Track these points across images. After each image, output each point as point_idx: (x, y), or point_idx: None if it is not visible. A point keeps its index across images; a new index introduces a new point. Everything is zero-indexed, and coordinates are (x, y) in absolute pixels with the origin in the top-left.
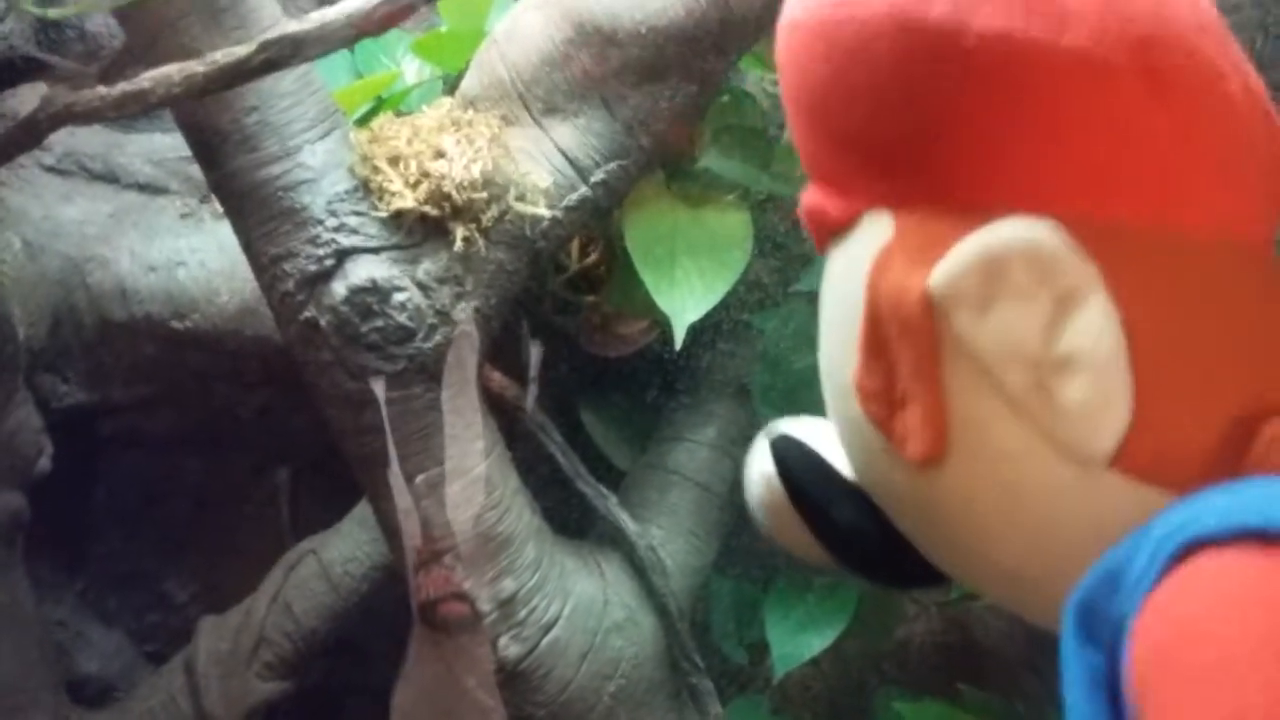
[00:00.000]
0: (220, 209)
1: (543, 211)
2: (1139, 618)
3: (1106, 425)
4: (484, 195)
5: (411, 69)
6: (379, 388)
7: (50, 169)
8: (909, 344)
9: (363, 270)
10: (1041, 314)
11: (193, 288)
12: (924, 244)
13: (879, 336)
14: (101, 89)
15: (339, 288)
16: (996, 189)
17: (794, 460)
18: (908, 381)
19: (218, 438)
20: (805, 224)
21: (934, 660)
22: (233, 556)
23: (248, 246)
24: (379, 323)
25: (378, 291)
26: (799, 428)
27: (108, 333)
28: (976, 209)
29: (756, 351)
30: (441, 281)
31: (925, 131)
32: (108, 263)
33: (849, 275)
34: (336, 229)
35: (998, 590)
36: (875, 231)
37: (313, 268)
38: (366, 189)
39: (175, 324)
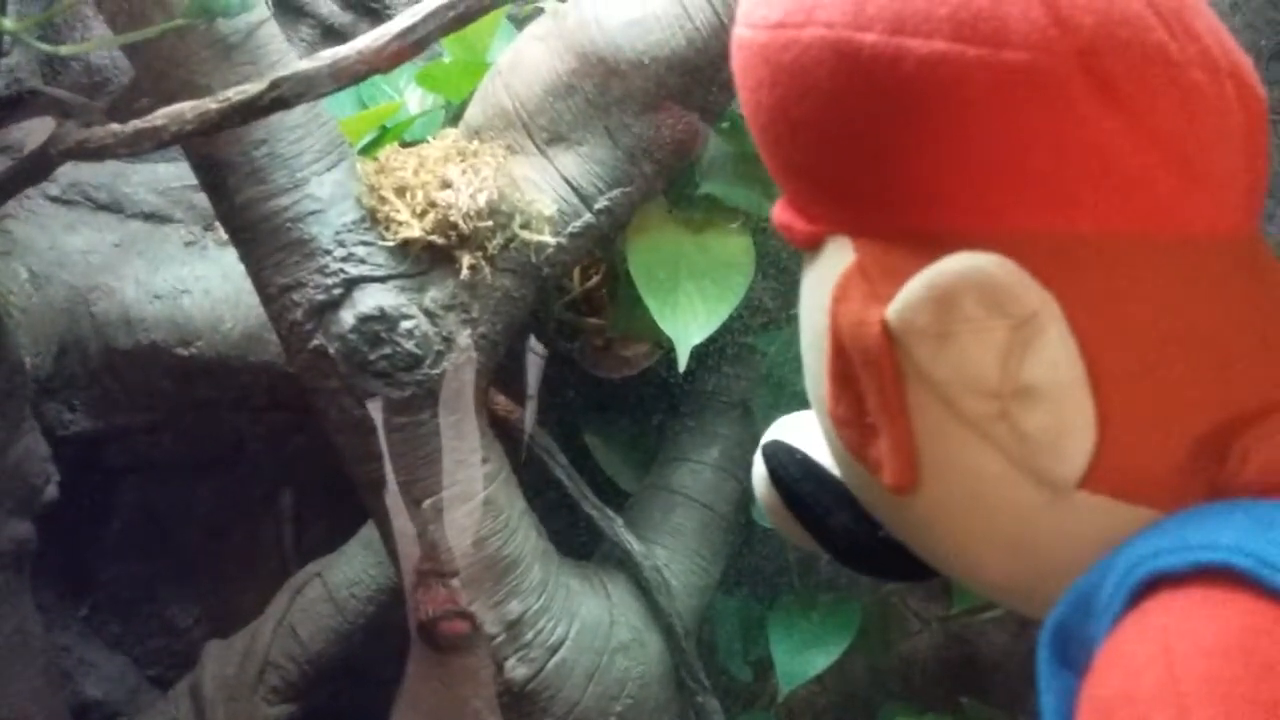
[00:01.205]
0: (224, 236)
1: (548, 239)
2: (1096, 661)
3: (1071, 451)
4: (490, 224)
5: (414, 99)
6: (375, 411)
7: (55, 199)
8: (872, 375)
9: (371, 299)
10: (997, 345)
11: (197, 315)
12: (881, 274)
13: (844, 366)
14: (114, 126)
15: (347, 316)
16: (949, 215)
17: (785, 467)
18: (875, 412)
19: (223, 463)
20: (778, 230)
21: (937, 675)
22: (238, 581)
23: (256, 277)
24: (387, 350)
25: (386, 320)
26: (798, 426)
27: (113, 361)
28: (931, 237)
29: (759, 373)
30: (448, 309)
31: (871, 161)
32: (113, 291)
33: (815, 298)
34: (344, 259)
35: (992, 596)
36: (837, 257)
37: (321, 297)
38: (374, 219)
39: (180, 351)
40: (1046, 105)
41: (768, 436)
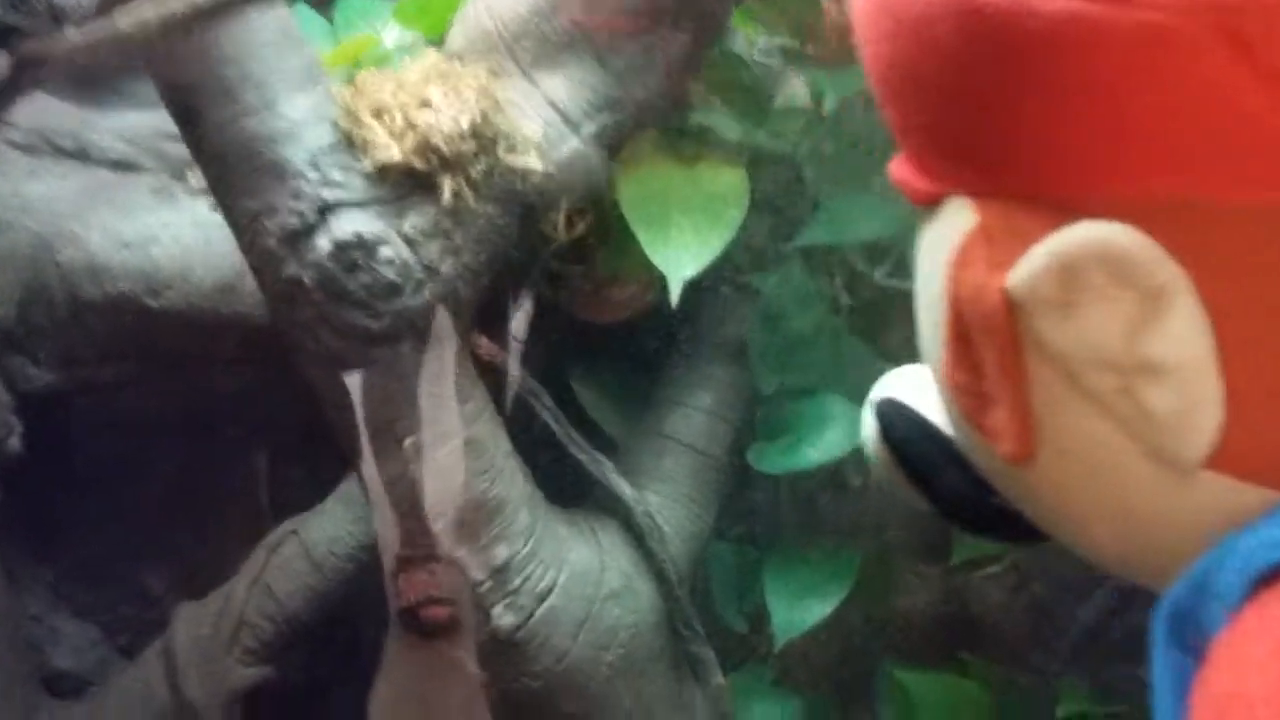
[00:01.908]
0: (195, 186)
1: (534, 163)
2: (1212, 654)
3: (1196, 430)
4: (472, 147)
5: (391, 37)
6: (353, 382)
7: (18, 146)
8: (991, 343)
9: (347, 224)
10: (1123, 318)
11: (167, 265)
12: (1005, 240)
13: (962, 331)
14: (73, 31)
15: (323, 242)
16: (1077, 181)
17: (896, 426)
18: (993, 380)
19: (196, 421)
20: (895, 185)
21: (933, 632)
22: (211, 545)
23: (226, 205)
24: (365, 278)
25: (363, 246)
26: (909, 380)
27: (79, 311)
28: (1057, 202)
29: (753, 313)
30: (429, 236)
31: (996, 122)
32: (79, 239)
33: (933, 258)
34: (320, 183)
35: (1106, 567)
36: (958, 218)
37: (295, 223)
38: (350, 142)
39: (149, 301)
40: (1180, 67)
41: (878, 392)
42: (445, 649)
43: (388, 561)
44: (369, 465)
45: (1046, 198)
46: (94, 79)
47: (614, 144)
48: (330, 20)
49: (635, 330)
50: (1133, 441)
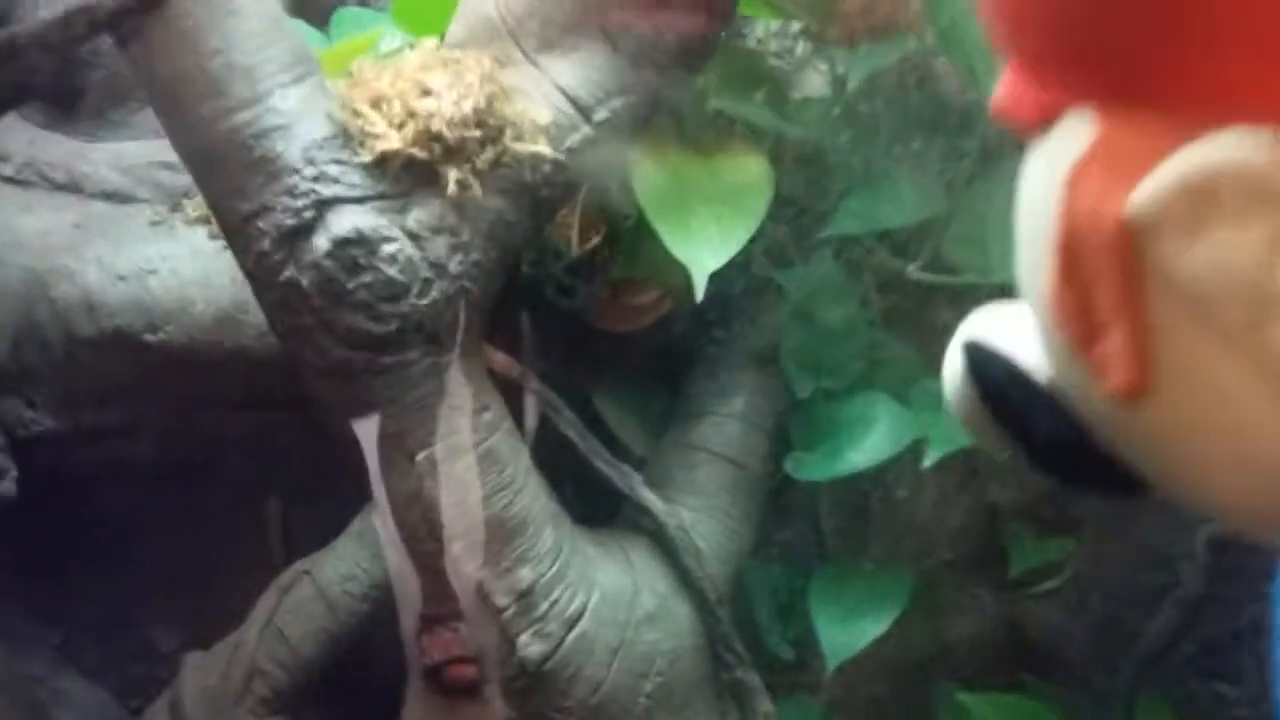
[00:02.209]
0: (192, 215)
1: (544, 150)
2: None
3: None
4: (477, 134)
5: (390, 44)
6: (365, 431)
7: (8, 180)
8: (1108, 268)
9: (346, 221)
10: (1257, 245)
11: (165, 298)
12: (1128, 155)
13: (1076, 256)
14: (42, 13)
15: (321, 241)
16: (1214, 92)
17: (987, 367)
18: (1107, 309)
19: (201, 465)
20: (998, 115)
21: (986, 657)
22: (222, 598)
23: (217, 207)
24: (367, 278)
25: (364, 243)
26: (998, 320)
27: (75, 350)
28: (1190, 115)
29: (782, 314)
30: (435, 231)
31: (1133, 18)
32: (73, 274)
33: (1045, 181)
34: (315, 178)
35: (1220, 517)
36: (1076, 134)
37: (290, 222)
38: (346, 135)
39: (148, 337)
40: None
41: (964, 334)
42: (470, 708)
43: (406, 618)
44: (380, 497)
45: (1179, 111)
46: (84, 109)
47: (627, 132)
48: (326, 34)
49: (656, 338)
50: (1260, 381)
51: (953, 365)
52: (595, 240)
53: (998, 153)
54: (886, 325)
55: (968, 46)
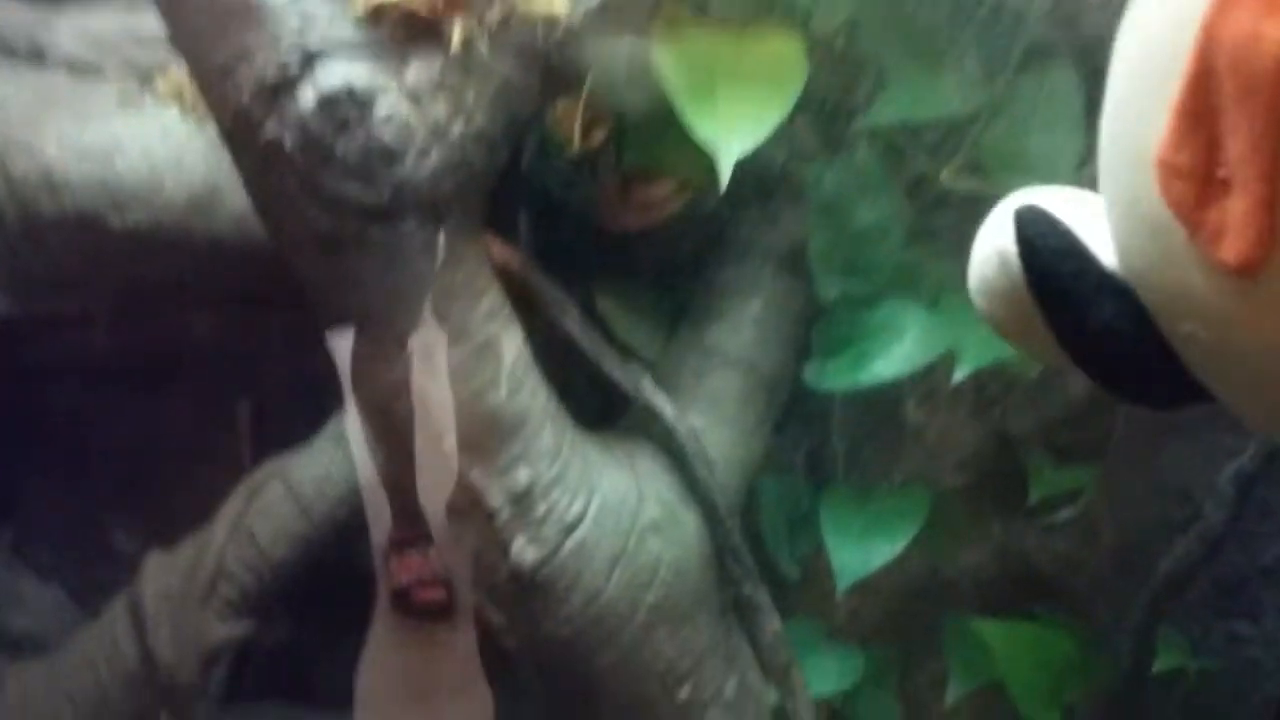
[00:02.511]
0: (164, 92)
1: (559, 10)
2: None
3: None
4: None
5: None
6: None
7: None
8: (1249, 112)
9: (336, 74)
10: None
11: (132, 179)
12: None
13: (1206, 98)
14: None
15: (307, 95)
16: None
17: (1042, 237)
18: (1237, 162)
19: (167, 363)
20: None
21: (991, 587)
22: (187, 503)
23: (192, 56)
24: (358, 139)
25: (355, 100)
26: (1050, 199)
27: (34, 231)
28: None
29: (807, 211)
30: (435, 91)
31: None
32: (32, 150)
33: (1172, 12)
34: (303, 25)
35: None
36: None
37: (274, 73)
38: None
39: (113, 221)
40: None
41: (1016, 200)
42: (439, 632)
43: (376, 536)
44: (351, 405)
45: None
46: None
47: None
48: None
49: (668, 236)
50: None
51: (991, 240)
52: (600, 135)
53: (1041, 50)
54: (918, 231)
55: None
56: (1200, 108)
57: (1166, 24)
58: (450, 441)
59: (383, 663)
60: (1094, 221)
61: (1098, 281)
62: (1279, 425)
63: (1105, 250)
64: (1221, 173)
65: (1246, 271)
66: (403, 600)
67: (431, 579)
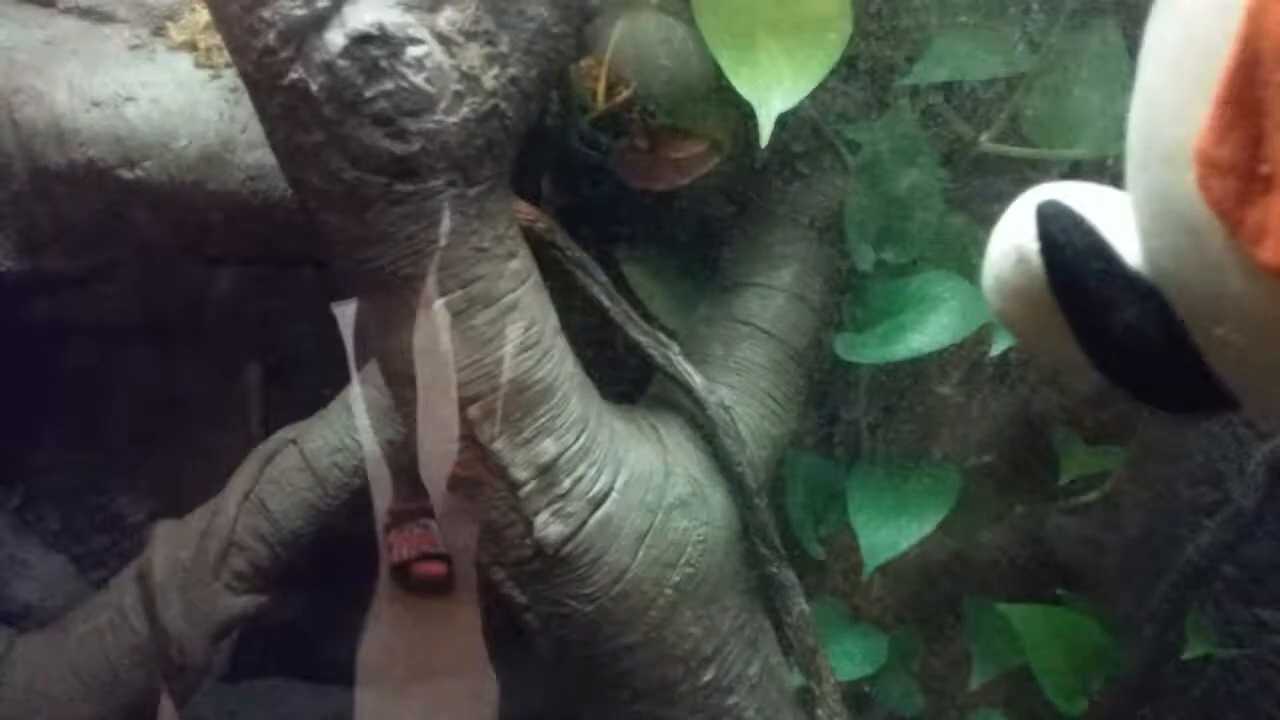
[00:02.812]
0: (177, 40)
1: None
2: None
3: None
4: None
5: None
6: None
7: None
8: None
9: (366, 14)
10: None
11: (144, 128)
12: None
13: (1251, 89)
14: None
15: (335, 37)
16: None
17: (1066, 234)
18: None
19: (177, 323)
20: None
21: (1017, 573)
22: (195, 469)
23: None
24: (388, 85)
25: (387, 41)
26: (1072, 194)
27: (42, 181)
28: None
29: (840, 180)
30: (469, 37)
31: None
32: (41, 97)
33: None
34: None
35: None
36: None
37: (300, 12)
38: None
39: (123, 172)
40: None
41: (1037, 195)
42: (440, 606)
43: (378, 508)
44: (376, 350)
45: None
46: None
47: None
48: None
49: (697, 200)
50: None
51: (1010, 236)
52: (624, 94)
53: (1086, 10)
54: (957, 198)
55: None
56: (1244, 99)
57: (1208, 8)
58: (454, 412)
59: (384, 640)
60: (1118, 218)
61: (1123, 282)
62: None
63: (1130, 250)
64: (1265, 169)
65: None
66: (402, 575)
67: (431, 553)
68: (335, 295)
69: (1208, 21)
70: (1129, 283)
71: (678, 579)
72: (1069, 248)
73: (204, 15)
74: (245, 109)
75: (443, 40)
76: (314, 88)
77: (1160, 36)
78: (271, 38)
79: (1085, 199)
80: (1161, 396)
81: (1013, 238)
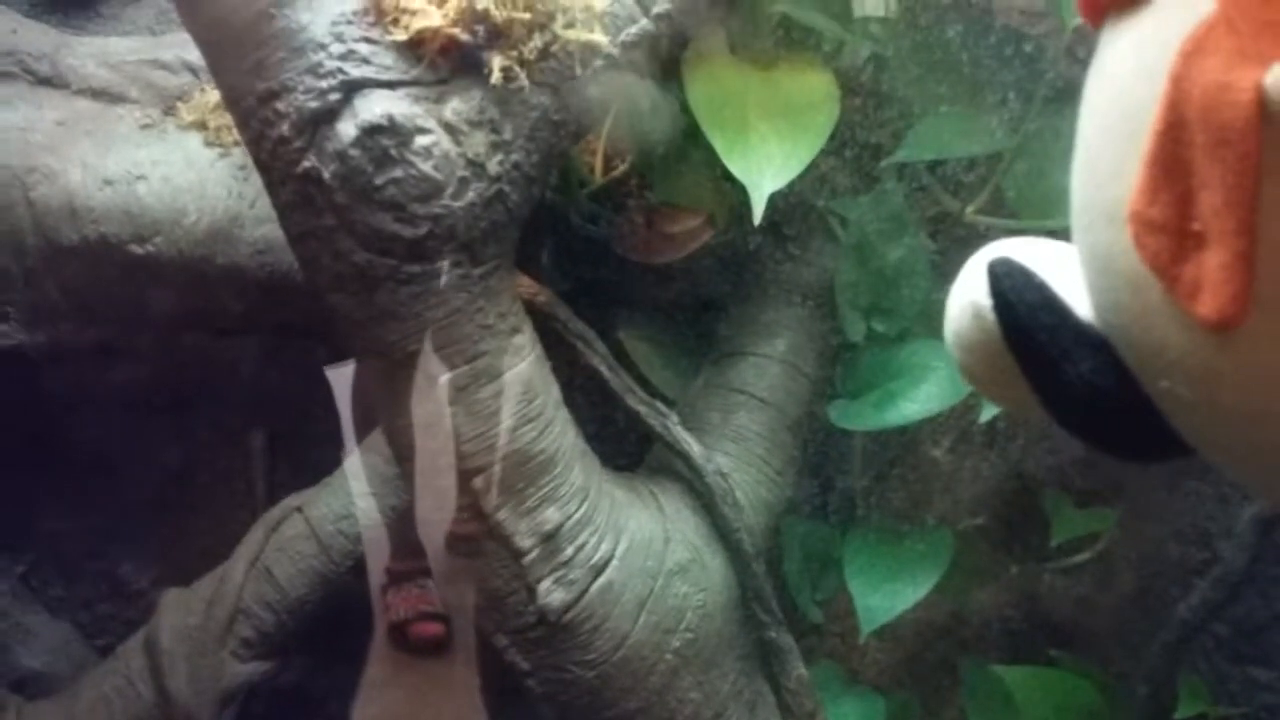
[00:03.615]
0: (187, 119)
1: (599, 38)
2: None
3: None
4: (526, 17)
5: None
6: (338, 376)
7: None
8: (1222, 163)
9: (377, 106)
10: None
11: (155, 205)
12: (1258, 27)
13: (1177, 150)
14: None
15: (347, 128)
16: None
17: (1017, 291)
18: (1211, 215)
19: (184, 393)
20: None
21: (1007, 629)
22: (200, 537)
23: (230, 88)
24: (397, 172)
25: (396, 132)
26: (1025, 252)
27: (55, 258)
28: None
29: (832, 251)
30: (474, 125)
31: None
32: (55, 175)
33: (1139, 63)
34: (343, 56)
35: None
36: (1185, 5)
37: (313, 104)
38: (380, 9)
39: (134, 248)
40: None
41: (986, 256)
42: (436, 667)
43: (373, 570)
44: (351, 441)
45: None
46: None
47: (684, 29)
48: None
49: (694, 273)
50: None
51: (966, 294)
52: (621, 168)
53: (1062, 93)
54: (942, 270)
55: None
56: (1171, 160)
57: (1135, 74)
58: (452, 477)
59: (379, 700)
60: (1070, 273)
61: (1075, 335)
62: (1260, 480)
63: (1082, 302)
64: (1195, 226)
65: (1224, 327)
66: (399, 634)
67: (429, 613)
68: (348, 352)
69: (1136, 86)
70: (1081, 335)
71: (678, 644)
72: (1020, 304)
73: (213, 95)
74: (253, 185)
75: (449, 129)
76: (326, 175)
77: (1095, 98)
78: (285, 128)
79: (1038, 254)
80: (1118, 444)
81: (968, 294)
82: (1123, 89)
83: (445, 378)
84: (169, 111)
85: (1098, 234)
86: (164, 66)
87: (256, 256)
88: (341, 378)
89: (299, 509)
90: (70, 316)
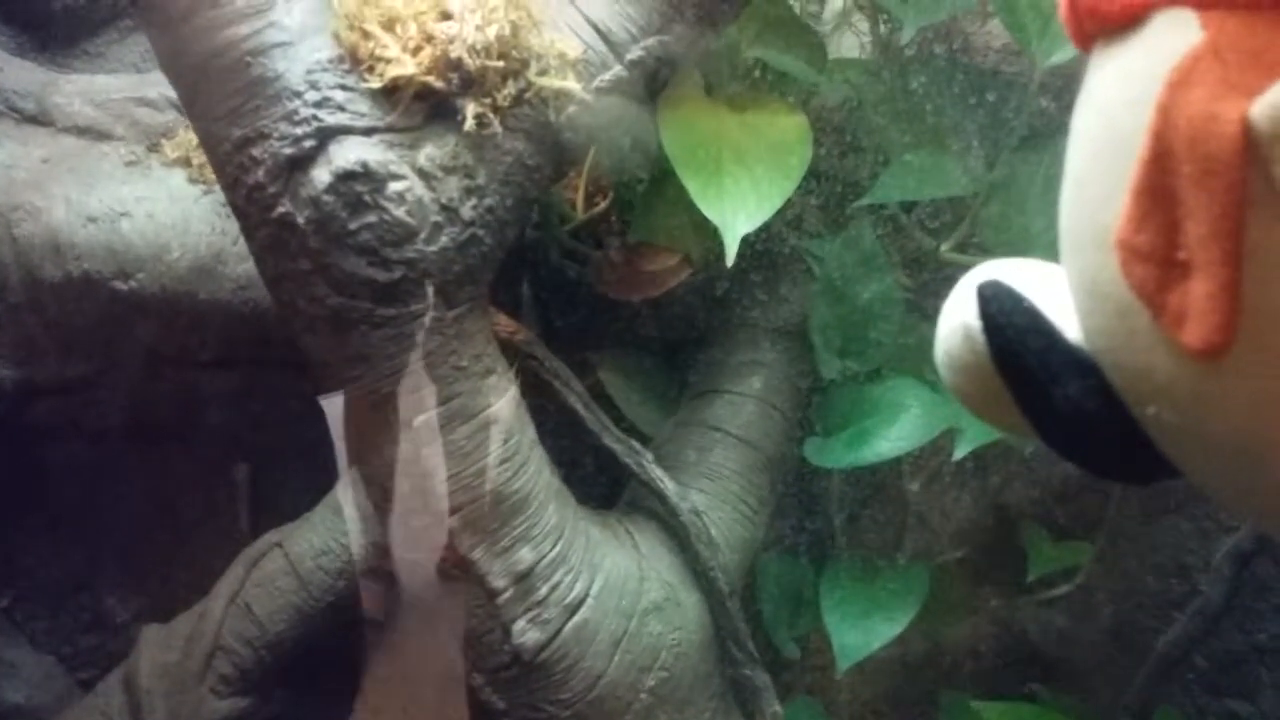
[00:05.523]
0: (171, 156)
1: (572, 85)
2: None
3: None
4: (500, 65)
5: None
6: (332, 406)
7: None
8: (1209, 194)
9: (351, 153)
10: None
11: (139, 242)
12: (1244, 58)
13: (1164, 180)
14: None
15: (321, 174)
16: None
17: (1006, 314)
18: (1196, 244)
19: (167, 428)
20: (1065, 13)
21: (988, 662)
22: (183, 569)
23: (206, 133)
24: (371, 218)
25: (370, 178)
26: (1014, 274)
27: (39, 294)
28: None
29: (809, 289)
30: (448, 171)
31: None
32: (39, 213)
33: (1126, 92)
34: (318, 103)
35: (1275, 514)
36: (1173, 35)
37: (288, 151)
38: (355, 58)
39: (118, 284)
40: None
41: (975, 278)
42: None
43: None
44: (344, 472)
45: None
46: (57, 37)
47: (658, 74)
48: None
49: (669, 309)
50: None
51: (956, 316)
52: (601, 205)
53: (1037, 131)
54: (917, 307)
55: (1022, 4)
56: (1158, 189)
57: (1122, 104)
58: (432, 521)
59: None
60: (1059, 294)
61: (1063, 358)
62: (1245, 506)
63: (1071, 325)
64: (1182, 255)
65: (1210, 356)
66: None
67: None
68: (318, 398)
69: (1123, 115)
70: (1069, 358)
71: (653, 683)
72: (1009, 326)
73: None
74: (235, 222)
75: (423, 175)
76: (301, 220)
77: (1083, 129)
78: (261, 174)
79: (1028, 276)
80: (1105, 466)
81: (958, 315)
82: (1111, 117)
83: (420, 419)
84: (153, 148)
85: (1086, 259)
86: (149, 104)
87: (239, 292)
88: (334, 406)
89: (279, 544)
90: (53, 352)
